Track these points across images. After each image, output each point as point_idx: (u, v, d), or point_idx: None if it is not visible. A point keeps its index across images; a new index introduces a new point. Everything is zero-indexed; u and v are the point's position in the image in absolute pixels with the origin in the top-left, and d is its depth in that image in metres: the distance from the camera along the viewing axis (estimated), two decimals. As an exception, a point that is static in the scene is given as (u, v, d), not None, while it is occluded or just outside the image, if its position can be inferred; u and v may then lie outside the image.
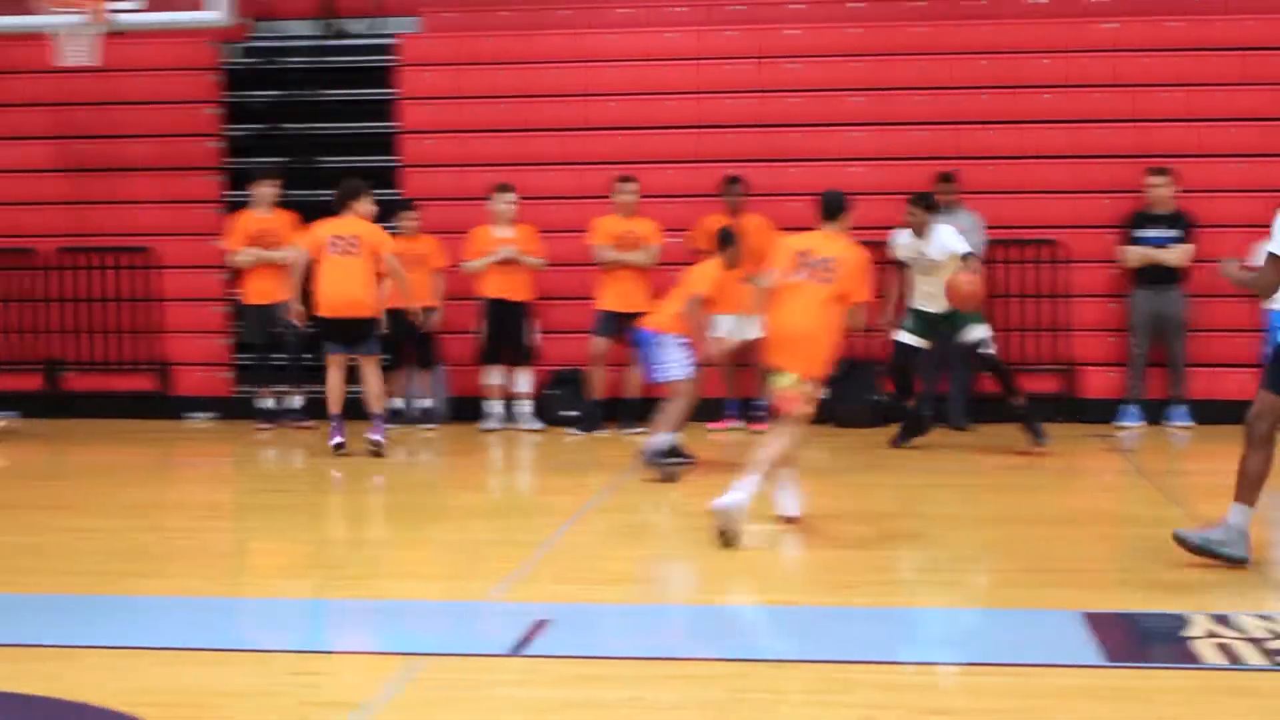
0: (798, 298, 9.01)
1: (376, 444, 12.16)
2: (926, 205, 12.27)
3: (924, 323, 12.24)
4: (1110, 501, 10.89)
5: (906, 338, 12.25)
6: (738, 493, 8.57)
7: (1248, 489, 7.76)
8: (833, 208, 9.34)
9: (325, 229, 12.32)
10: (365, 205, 12.44)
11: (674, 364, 11.20)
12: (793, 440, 8.99)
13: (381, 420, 12.35)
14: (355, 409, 12.42)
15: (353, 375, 12.52)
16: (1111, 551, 8.78)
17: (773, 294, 9.15)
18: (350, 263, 12.17)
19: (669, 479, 10.85)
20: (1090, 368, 14.04)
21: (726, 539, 8.49)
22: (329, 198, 13.16)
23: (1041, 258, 14.15)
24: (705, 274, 11.30)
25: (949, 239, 12.01)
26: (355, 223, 12.32)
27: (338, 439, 12.20)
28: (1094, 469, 12.31)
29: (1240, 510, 7.77)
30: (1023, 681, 6.03)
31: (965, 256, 11.82)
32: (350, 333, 12.28)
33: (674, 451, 11.39)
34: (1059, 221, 14.20)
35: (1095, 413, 13.70)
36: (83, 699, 5.82)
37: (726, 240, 11.49)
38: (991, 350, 12.21)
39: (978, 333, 12.10)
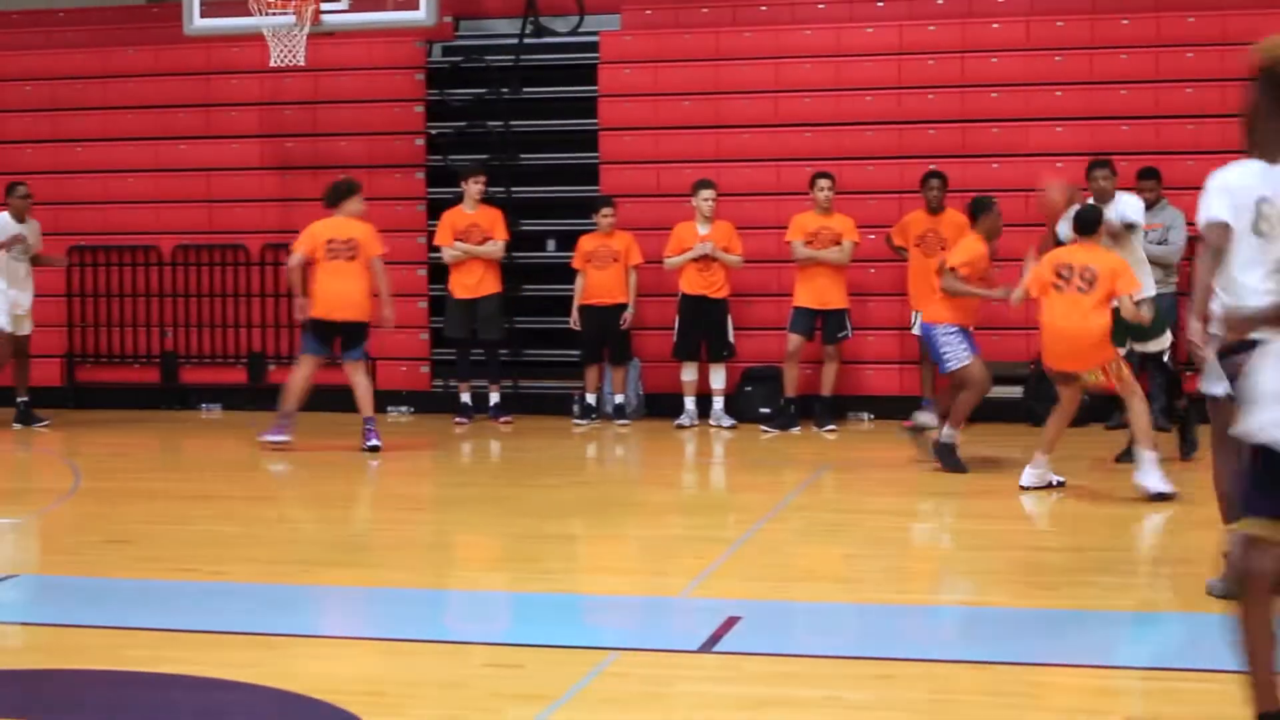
0: (1065, 307, 9.90)
1: (375, 449, 12.24)
2: (1111, 169, 11.37)
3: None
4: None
5: None
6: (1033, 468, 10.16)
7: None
8: (1088, 223, 10.09)
9: (322, 231, 12.36)
10: (356, 205, 12.49)
11: (952, 354, 11.02)
12: (1143, 411, 9.85)
13: (374, 422, 12.42)
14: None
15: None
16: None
17: (1040, 305, 10.08)
18: (348, 267, 12.25)
19: (955, 470, 10.84)
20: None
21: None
22: (529, 194, 13.26)
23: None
24: (964, 247, 11.13)
25: (1127, 208, 11.03)
26: (350, 224, 12.37)
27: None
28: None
29: None
30: (1235, 689, 5.85)
31: (1129, 226, 10.84)
32: (345, 335, 12.38)
33: (950, 450, 11.08)
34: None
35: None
36: (284, 687, 5.94)
37: (982, 208, 11.17)
38: (1169, 363, 11.79)
39: (1162, 344, 11.67)
